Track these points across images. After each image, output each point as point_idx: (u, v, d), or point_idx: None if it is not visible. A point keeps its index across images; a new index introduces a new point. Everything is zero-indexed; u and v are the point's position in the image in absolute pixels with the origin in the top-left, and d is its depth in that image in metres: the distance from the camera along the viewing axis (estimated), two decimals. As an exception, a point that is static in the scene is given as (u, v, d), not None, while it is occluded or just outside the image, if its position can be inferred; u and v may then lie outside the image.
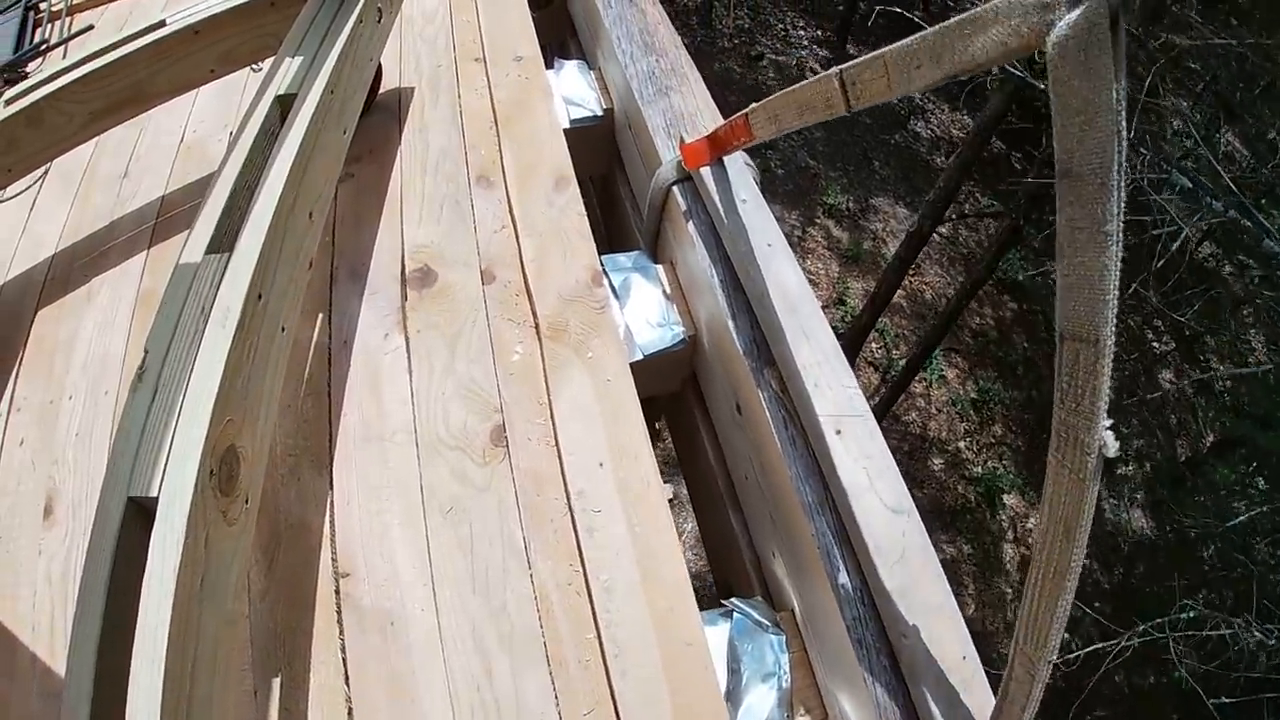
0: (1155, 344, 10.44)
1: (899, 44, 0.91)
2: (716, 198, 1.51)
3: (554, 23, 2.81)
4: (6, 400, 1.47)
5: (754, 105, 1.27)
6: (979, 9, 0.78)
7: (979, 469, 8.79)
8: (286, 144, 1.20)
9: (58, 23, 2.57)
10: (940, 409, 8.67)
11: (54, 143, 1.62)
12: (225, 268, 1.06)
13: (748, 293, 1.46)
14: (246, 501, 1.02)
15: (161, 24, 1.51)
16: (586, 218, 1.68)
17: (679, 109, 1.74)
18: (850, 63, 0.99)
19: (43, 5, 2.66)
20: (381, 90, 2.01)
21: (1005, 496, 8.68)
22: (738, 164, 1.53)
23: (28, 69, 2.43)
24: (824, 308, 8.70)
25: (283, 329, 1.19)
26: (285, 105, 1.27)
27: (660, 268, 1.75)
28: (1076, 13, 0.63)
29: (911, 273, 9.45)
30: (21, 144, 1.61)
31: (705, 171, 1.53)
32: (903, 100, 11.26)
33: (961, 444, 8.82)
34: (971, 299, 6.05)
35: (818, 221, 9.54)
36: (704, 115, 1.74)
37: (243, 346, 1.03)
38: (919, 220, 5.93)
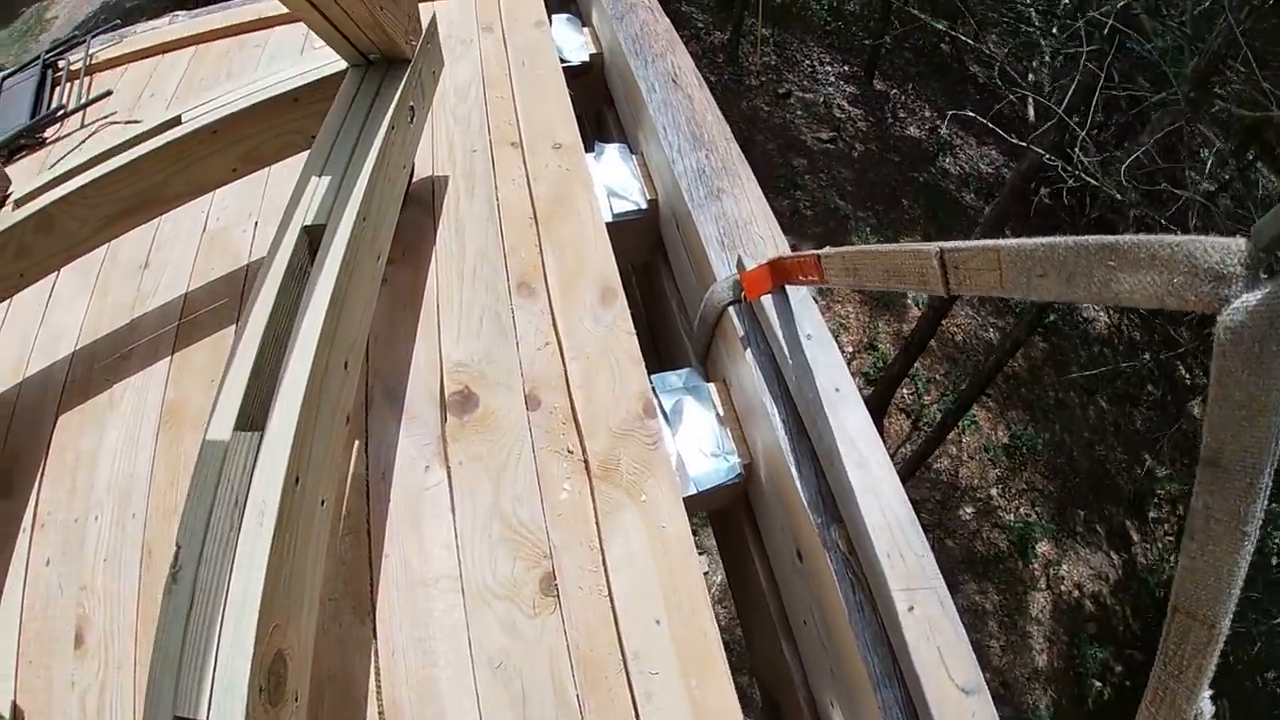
0: (1187, 377, 10.16)
1: (1018, 242, 0.78)
2: (778, 329, 1.37)
3: (591, 91, 2.71)
4: (30, 513, 1.42)
5: (830, 250, 1.13)
6: (1130, 241, 0.64)
7: (1010, 516, 8.50)
8: (319, 288, 1.08)
9: (75, 83, 2.50)
10: (972, 455, 8.42)
11: (67, 248, 1.52)
12: (258, 451, 0.94)
13: (813, 443, 1.32)
14: (296, 699, 0.93)
15: (177, 121, 1.41)
16: (635, 336, 1.55)
17: (732, 216, 1.60)
18: (955, 244, 0.86)
19: (61, 63, 2.59)
20: (414, 179, 1.90)
21: (1038, 545, 8.39)
22: (800, 293, 1.39)
23: (45, 134, 2.36)
24: (853, 353, 8.54)
25: (322, 502, 1.06)
26: (314, 237, 1.15)
27: (712, 386, 1.60)
28: (1257, 297, 0.52)
29: (943, 314, 9.24)
30: (33, 250, 1.51)
31: (766, 299, 1.39)
32: (932, 138, 11.13)
33: (993, 490, 8.55)
34: (1010, 357, 5.83)
35: (846, 262, 9.35)
36: (759, 223, 1.61)
37: (283, 540, 0.92)
38: (955, 270, 5.74)
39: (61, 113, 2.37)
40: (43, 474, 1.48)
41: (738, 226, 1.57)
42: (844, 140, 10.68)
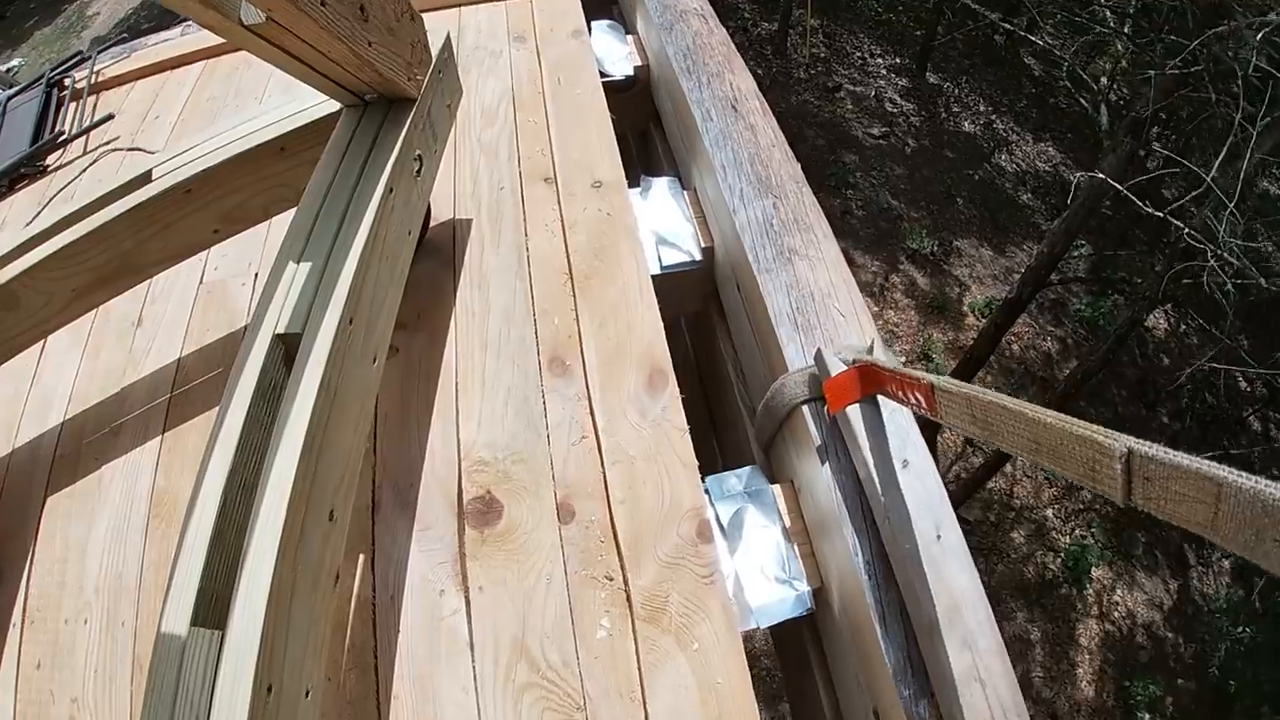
0: (1247, 386, 9.57)
1: (1249, 481, 0.51)
2: (865, 447, 1.09)
3: (636, 108, 2.43)
4: (20, 604, 1.33)
5: (948, 382, 0.85)
6: None
7: (1065, 539, 8.09)
8: (293, 419, 0.84)
9: (80, 103, 2.31)
10: (1027, 474, 8.00)
11: (37, 323, 1.31)
12: (219, 655, 0.72)
13: (906, 603, 1.05)
14: None
15: (147, 178, 1.17)
16: (688, 434, 1.28)
17: (807, 285, 1.32)
18: (1153, 452, 0.59)
19: (66, 81, 2.41)
20: (433, 223, 1.65)
21: (1092, 570, 7.97)
22: (891, 405, 1.11)
23: (47, 161, 2.18)
24: (905, 363, 8.25)
25: (307, 693, 0.83)
26: (289, 346, 0.90)
27: (778, 489, 1.33)
28: None
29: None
30: (-2, 328, 1.31)
31: (854, 410, 1.12)
32: (987, 134, 10.63)
33: (1049, 511, 8.13)
34: (1080, 388, 5.42)
35: (900, 268, 8.95)
36: (839, 295, 1.32)
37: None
38: (1018, 288, 5.36)
39: (63, 138, 2.19)
40: (32, 560, 1.37)
41: (813, 299, 1.29)
42: (896, 136, 10.23)
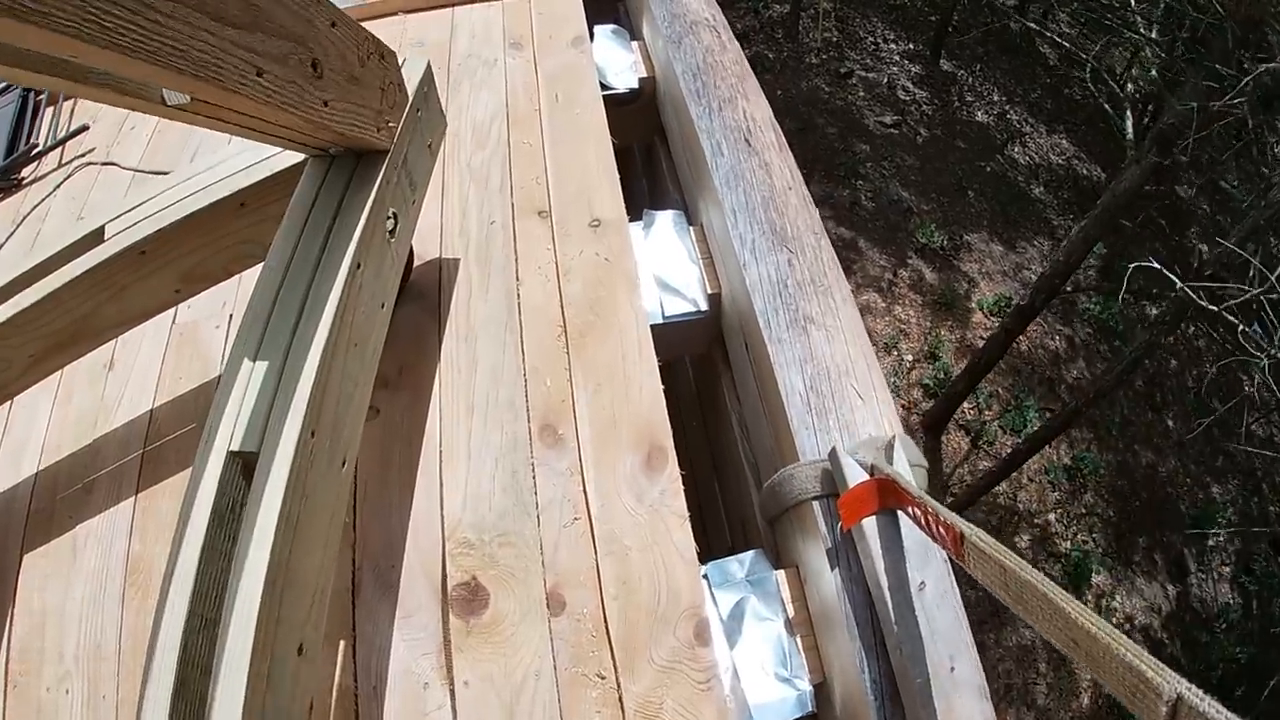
0: (1252, 389, 9.49)
1: None
2: (882, 572, 1.00)
3: (640, 121, 2.31)
4: (2, 667, 1.29)
5: (985, 541, 0.75)
6: None
7: (1067, 543, 8.02)
8: (253, 550, 0.74)
9: (56, 109, 2.20)
10: (1032, 478, 7.92)
11: (-3, 389, 1.21)
12: None
13: None
14: None
15: (99, 237, 1.07)
16: (688, 521, 1.19)
17: (823, 360, 1.21)
18: (1204, 706, 0.50)
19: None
20: (418, 262, 1.55)
21: (1093, 576, 7.92)
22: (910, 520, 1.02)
23: (22, 174, 2.07)
24: (914, 362, 8.08)
25: None
26: (247, 462, 0.81)
27: (782, 575, 1.24)
28: None
29: (1006, 315, 8.70)
30: (-50, 400, 1.21)
31: (870, 522, 1.02)
32: (1001, 125, 10.44)
33: (1051, 516, 8.06)
34: (1093, 405, 5.30)
35: (909, 263, 8.79)
36: (858, 370, 1.22)
37: None
38: (1031, 295, 5.24)
39: (36, 151, 2.07)
40: (11, 620, 1.32)
41: (829, 377, 1.19)
42: (908, 125, 10.04)
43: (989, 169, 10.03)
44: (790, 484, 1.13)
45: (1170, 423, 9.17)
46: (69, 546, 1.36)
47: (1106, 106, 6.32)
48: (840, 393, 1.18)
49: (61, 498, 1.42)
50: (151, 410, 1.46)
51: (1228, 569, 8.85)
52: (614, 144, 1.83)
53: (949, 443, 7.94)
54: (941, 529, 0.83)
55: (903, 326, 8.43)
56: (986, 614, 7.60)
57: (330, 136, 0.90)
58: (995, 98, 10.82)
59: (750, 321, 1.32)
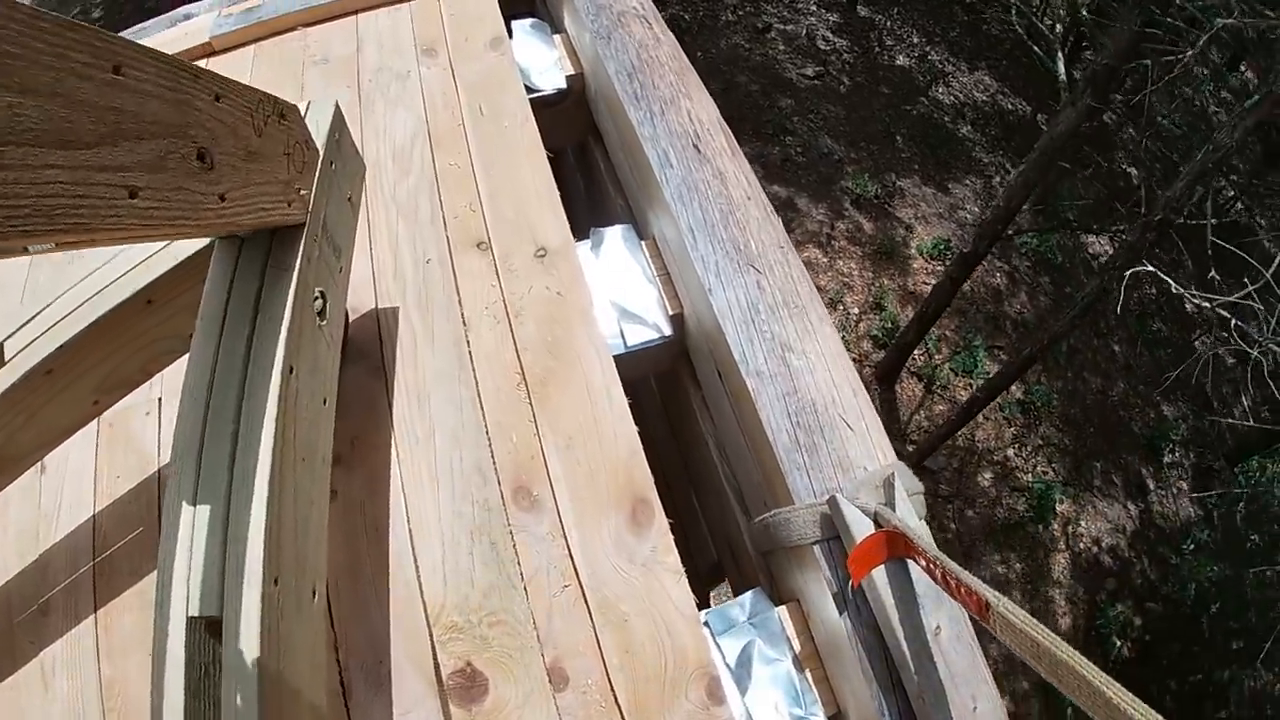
0: (1195, 311, 9.92)
1: None
2: (896, 622, 0.96)
3: (570, 122, 2.20)
4: None
5: (1013, 612, 0.72)
6: None
7: (1029, 476, 8.31)
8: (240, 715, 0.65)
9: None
10: (988, 415, 8.14)
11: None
12: None
13: None
14: None
15: (-1, 356, 0.94)
16: (684, 576, 1.13)
17: (807, 392, 1.15)
18: None
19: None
20: (353, 316, 1.43)
21: (1057, 505, 8.24)
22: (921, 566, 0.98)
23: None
24: (860, 314, 8.17)
25: None
26: (211, 623, 0.71)
27: (783, 611, 1.20)
28: None
29: (947, 260, 8.86)
30: None
31: (879, 570, 0.98)
32: (923, 67, 10.54)
33: (1010, 451, 8.31)
34: (1046, 350, 5.40)
35: (846, 215, 8.85)
36: (844, 399, 1.16)
37: None
38: (974, 242, 5.31)
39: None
40: None
41: (815, 411, 1.13)
42: (831, 75, 10.04)
43: (915, 112, 10.12)
44: (788, 528, 1.08)
45: (1116, 347, 9.52)
46: (38, 676, 1.24)
47: (1036, 49, 6.40)
48: (829, 425, 1.13)
49: (18, 622, 1.29)
50: (94, 516, 1.33)
51: (1185, 484, 9.30)
52: (546, 150, 1.73)
53: (903, 391, 8.09)
54: (962, 592, 0.79)
55: (846, 280, 8.52)
56: (959, 555, 7.84)
57: (235, 228, 0.80)
58: (915, 40, 10.89)
59: (722, 349, 1.25)
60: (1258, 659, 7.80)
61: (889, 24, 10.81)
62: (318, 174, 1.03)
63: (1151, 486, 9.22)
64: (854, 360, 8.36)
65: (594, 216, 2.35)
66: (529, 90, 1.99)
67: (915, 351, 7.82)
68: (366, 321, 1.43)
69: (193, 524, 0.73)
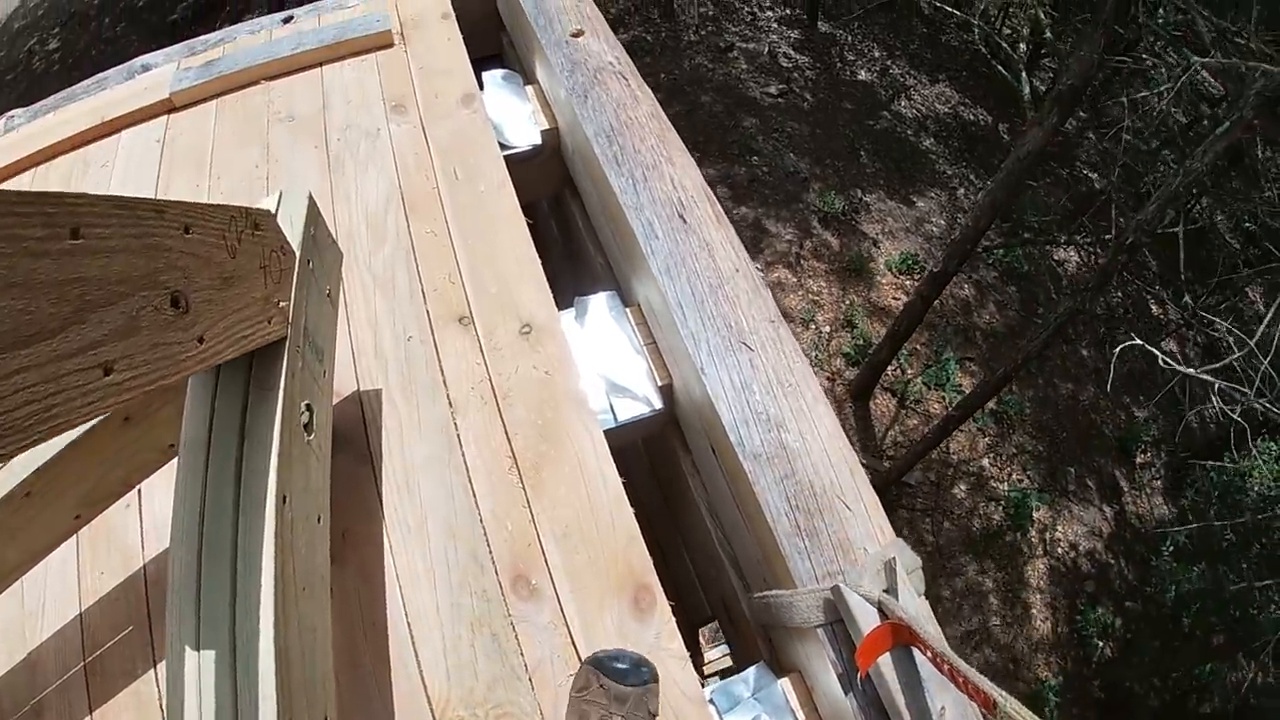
0: (1159, 312, 10.20)
1: None
2: (901, 702, 0.97)
3: (545, 176, 2.21)
4: None
5: (1020, 714, 0.73)
6: None
7: (1004, 485, 8.44)
8: None
9: None
10: (962, 428, 8.26)
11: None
12: None
13: None
14: None
15: (-29, 483, 0.91)
16: (689, 662, 1.13)
17: (805, 475, 1.16)
18: None
19: None
20: (335, 399, 1.41)
21: (1033, 512, 8.37)
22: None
23: None
24: (831, 332, 8.22)
25: None
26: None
27: (786, 684, 1.20)
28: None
29: (915, 275, 9.01)
30: None
31: (884, 658, 0.99)
32: (884, 81, 10.74)
33: (985, 461, 8.44)
34: (1014, 373, 5.49)
35: (814, 233, 8.95)
36: (842, 478, 1.17)
37: None
38: (944, 261, 5.41)
39: None
40: None
41: (814, 494, 1.14)
42: (794, 92, 10.18)
43: (878, 127, 10.29)
44: (790, 610, 1.09)
45: (1085, 352, 9.73)
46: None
47: (999, 67, 6.55)
48: (828, 508, 1.14)
49: (16, 726, 1.25)
50: (80, 615, 1.29)
51: (1159, 483, 9.51)
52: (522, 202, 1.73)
53: (877, 407, 8.18)
54: (969, 687, 0.80)
55: (815, 298, 8.61)
56: (938, 568, 7.93)
57: (215, 363, 0.78)
58: (876, 54, 11.09)
59: (717, 431, 1.26)
60: (1238, 654, 7.99)
61: (850, 39, 11.00)
62: (295, 279, 1.01)
63: (1125, 488, 9.41)
64: (827, 379, 8.45)
65: (573, 270, 2.36)
66: (503, 147, 1.99)
67: (888, 367, 7.92)
68: (349, 405, 1.41)
69: (199, 672, 0.72)
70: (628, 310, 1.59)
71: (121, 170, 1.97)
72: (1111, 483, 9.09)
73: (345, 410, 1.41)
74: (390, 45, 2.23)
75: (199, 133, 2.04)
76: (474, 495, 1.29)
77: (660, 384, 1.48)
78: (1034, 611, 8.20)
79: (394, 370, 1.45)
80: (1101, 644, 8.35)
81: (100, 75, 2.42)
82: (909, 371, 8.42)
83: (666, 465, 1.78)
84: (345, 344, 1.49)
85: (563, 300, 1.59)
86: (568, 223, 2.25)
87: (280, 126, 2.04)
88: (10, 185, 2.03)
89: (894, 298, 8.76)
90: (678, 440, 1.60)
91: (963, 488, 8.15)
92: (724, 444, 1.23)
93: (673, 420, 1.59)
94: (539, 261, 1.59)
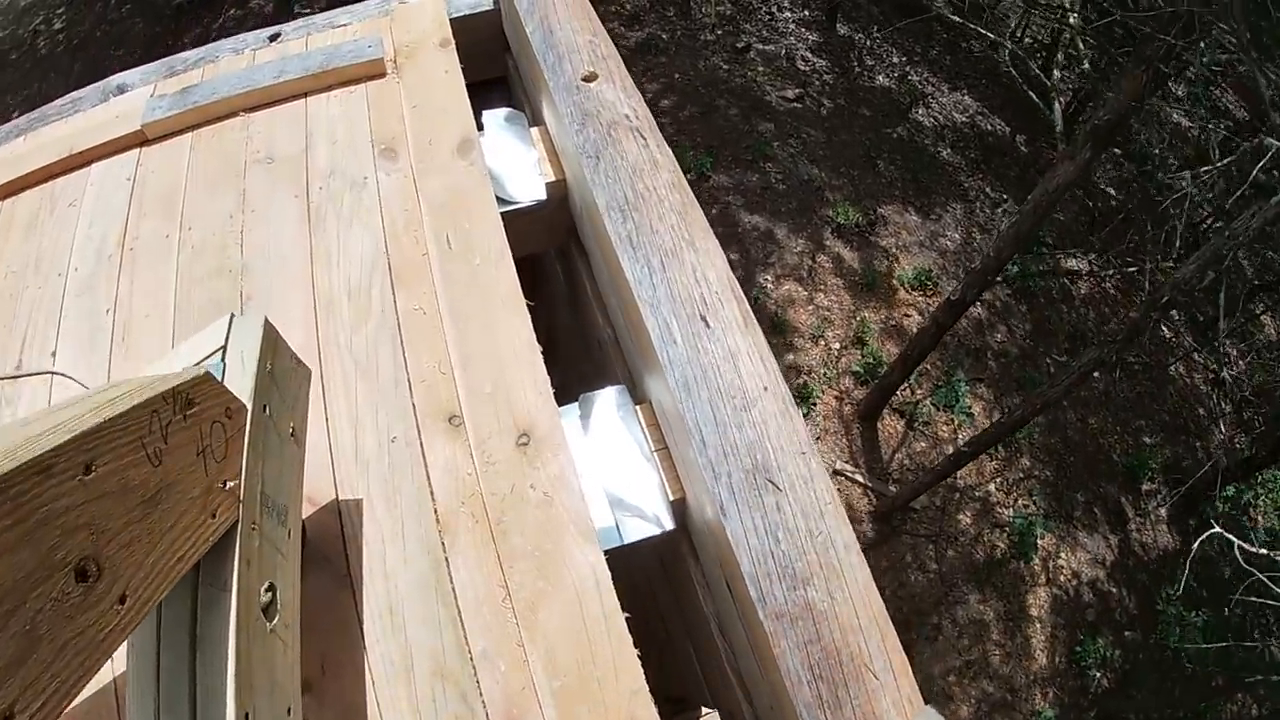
0: (1170, 335, 10.09)
1: None
2: None
3: (549, 229, 2.07)
4: None
5: None
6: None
7: (1009, 511, 8.34)
8: None
9: None
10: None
11: None
12: None
13: None
14: None
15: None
16: None
17: (830, 638, 1.04)
18: None
19: None
20: (310, 509, 1.29)
21: (1038, 540, 8.28)
22: None
23: None
24: (840, 349, 8.11)
25: None
26: None
27: None
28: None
29: (929, 292, 8.89)
30: None
31: None
32: (903, 87, 10.57)
33: (991, 486, 8.33)
34: (1031, 417, 5.38)
35: (827, 246, 8.81)
36: (871, 643, 1.05)
37: None
38: (963, 290, 5.28)
39: None
40: None
41: (839, 660, 1.03)
42: (811, 97, 10.01)
43: (896, 135, 10.13)
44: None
45: (1094, 374, 9.62)
46: None
47: (1033, 96, 6.41)
48: (854, 677, 1.02)
49: None
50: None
51: (1164, 511, 9.42)
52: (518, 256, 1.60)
53: (884, 428, 8.07)
54: None
55: (826, 314, 8.48)
56: (940, 596, 7.84)
57: (150, 611, 0.66)
58: (895, 59, 10.92)
59: (735, 578, 1.14)
60: (1237, 691, 7.92)
61: (869, 43, 10.82)
62: (247, 437, 0.88)
63: (1130, 515, 9.32)
64: (835, 397, 8.33)
65: (579, 330, 2.22)
66: (504, 201, 1.86)
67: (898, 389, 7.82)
68: (326, 517, 1.29)
69: None
70: (638, 409, 1.47)
71: (89, 212, 1.85)
72: (1117, 509, 9.00)
73: (322, 522, 1.29)
74: (382, 75, 2.10)
75: (172, 172, 1.91)
76: (463, 629, 1.17)
77: (672, 498, 1.36)
78: (1033, 642, 8.12)
79: (375, 478, 1.33)
80: (1099, 675, 8.28)
81: (74, 95, 2.29)
82: (918, 392, 8.30)
83: (676, 566, 1.66)
84: (323, 443, 1.37)
85: (566, 373, 1.47)
86: (573, 276, 2.12)
87: (258, 169, 1.91)
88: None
89: (906, 315, 8.63)
90: (687, 547, 1.48)
91: (968, 514, 8.05)
92: (743, 593, 1.12)
93: (683, 527, 1.47)
94: (539, 352, 1.46)
